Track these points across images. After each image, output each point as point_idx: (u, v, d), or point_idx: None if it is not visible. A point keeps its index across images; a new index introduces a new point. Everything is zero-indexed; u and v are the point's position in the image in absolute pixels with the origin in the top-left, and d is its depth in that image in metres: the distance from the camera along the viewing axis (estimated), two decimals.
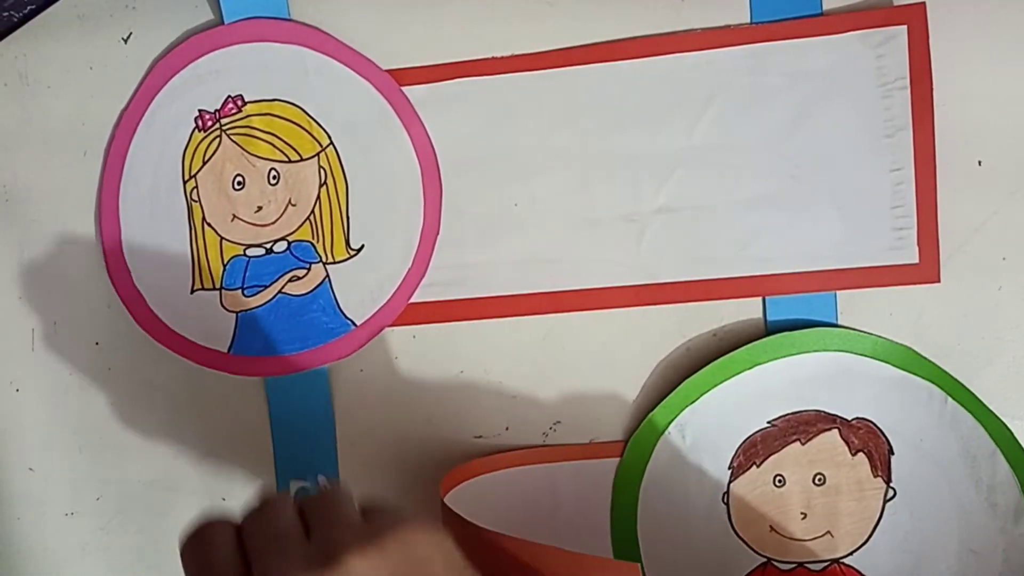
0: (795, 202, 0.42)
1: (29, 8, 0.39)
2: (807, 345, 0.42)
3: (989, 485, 0.41)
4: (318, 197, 0.45)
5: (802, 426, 0.43)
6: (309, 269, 0.45)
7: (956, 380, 0.42)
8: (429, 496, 0.43)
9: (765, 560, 0.44)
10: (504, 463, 0.44)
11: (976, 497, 0.42)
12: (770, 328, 0.43)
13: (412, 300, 0.45)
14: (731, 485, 0.43)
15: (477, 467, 0.44)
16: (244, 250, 0.45)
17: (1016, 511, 0.42)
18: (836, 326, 0.43)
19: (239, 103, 0.45)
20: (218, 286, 0.46)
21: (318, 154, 0.45)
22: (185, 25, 0.45)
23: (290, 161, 0.45)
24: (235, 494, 0.47)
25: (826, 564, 0.43)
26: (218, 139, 0.45)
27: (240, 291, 0.46)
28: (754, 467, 0.43)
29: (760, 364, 0.42)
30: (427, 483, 0.44)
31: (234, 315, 0.46)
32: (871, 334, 0.42)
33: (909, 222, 0.42)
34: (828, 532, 0.43)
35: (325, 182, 0.45)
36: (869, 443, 0.43)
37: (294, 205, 0.45)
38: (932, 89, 0.41)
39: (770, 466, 0.43)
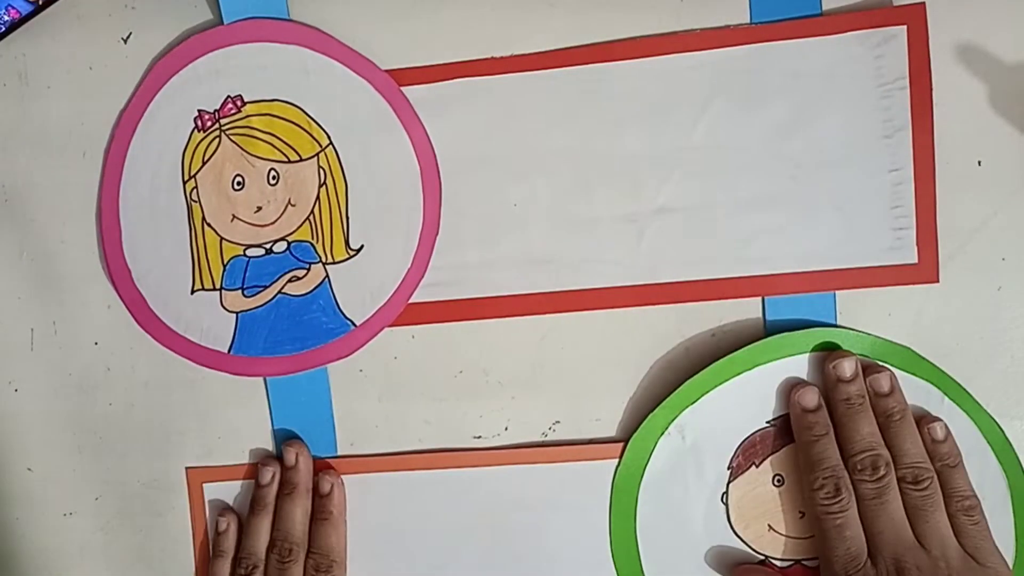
0: (795, 202, 0.43)
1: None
2: (807, 345, 0.42)
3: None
4: (318, 197, 0.45)
5: None
6: (309, 269, 0.45)
7: (953, 380, 0.42)
8: None
9: (763, 558, 0.44)
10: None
11: None
12: (769, 328, 0.43)
13: (412, 300, 0.45)
14: (730, 485, 0.43)
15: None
16: (244, 250, 0.45)
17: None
18: (835, 326, 0.43)
19: (239, 103, 0.45)
20: (218, 286, 0.46)
21: (318, 154, 0.45)
22: (185, 25, 0.45)
23: (290, 161, 0.45)
24: None
25: None
26: (218, 139, 0.45)
27: (240, 291, 0.46)
28: (753, 467, 0.43)
29: (760, 365, 0.42)
30: None
31: (234, 315, 0.46)
32: (870, 334, 0.42)
33: (908, 222, 0.42)
34: None
35: (325, 182, 0.45)
36: None
37: (294, 205, 0.45)
38: (931, 89, 0.41)
39: (769, 466, 0.43)
